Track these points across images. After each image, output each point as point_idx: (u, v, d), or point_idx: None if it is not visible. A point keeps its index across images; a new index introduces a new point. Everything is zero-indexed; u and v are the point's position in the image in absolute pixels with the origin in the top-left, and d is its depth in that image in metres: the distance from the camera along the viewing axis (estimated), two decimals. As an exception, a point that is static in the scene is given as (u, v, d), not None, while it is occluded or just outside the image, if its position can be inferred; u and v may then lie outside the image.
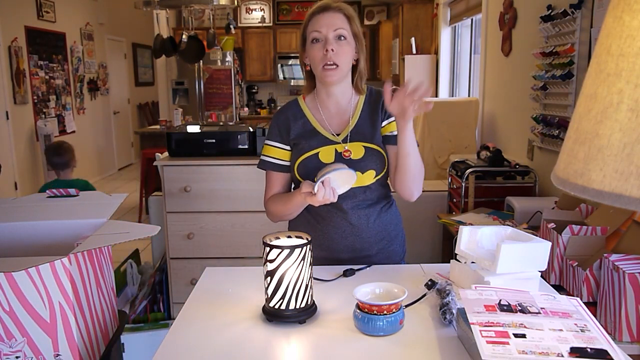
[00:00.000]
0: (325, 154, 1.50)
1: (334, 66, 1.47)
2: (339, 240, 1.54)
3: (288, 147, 1.58)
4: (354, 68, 1.55)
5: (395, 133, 1.53)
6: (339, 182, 1.39)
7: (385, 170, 1.54)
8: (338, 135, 1.54)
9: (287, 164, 1.58)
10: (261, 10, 8.10)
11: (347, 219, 1.53)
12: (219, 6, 4.39)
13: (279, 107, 8.38)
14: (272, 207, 1.59)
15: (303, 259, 1.14)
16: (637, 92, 0.53)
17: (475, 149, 3.63)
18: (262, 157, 1.62)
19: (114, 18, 8.35)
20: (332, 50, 1.45)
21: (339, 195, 1.48)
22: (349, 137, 1.53)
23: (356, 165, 1.47)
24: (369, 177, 1.51)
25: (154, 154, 3.30)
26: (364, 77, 1.58)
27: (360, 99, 1.59)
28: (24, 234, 1.24)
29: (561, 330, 0.94)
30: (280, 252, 1.12)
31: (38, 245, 1.24)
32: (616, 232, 1.82)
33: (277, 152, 1.58)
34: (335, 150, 1.51)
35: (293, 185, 1.63)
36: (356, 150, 1.51)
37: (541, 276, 1.30)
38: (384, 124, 1.56)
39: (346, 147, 1.51)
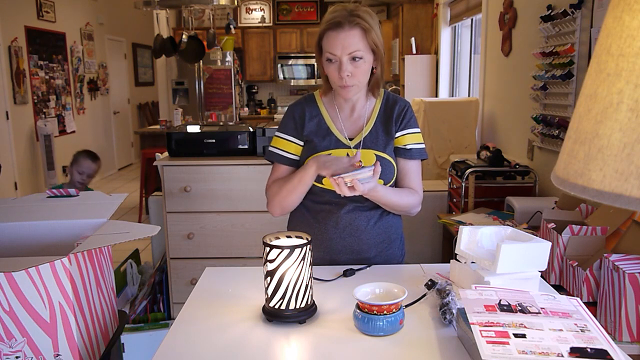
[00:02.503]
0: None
1: (350, 86, 1.45)
2: (337, 241, 1.53)
3: (301, 142, 1.55)
4: (371, 74, 1.52)
5: (408, 147, 1.54)
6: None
7: (393, 180, 1.53)
8: (351, 139, 1.53)
9: (298, 158, 1.56)
10: (261, 10, 8.10)
11: (346, 220, 1.52)
12: (219, 6, 4.40)
13: (279, 107, 8.36)
14: (274, 188, 1.53)
15: (303, 259, 1.14)
16: (637, 92, 0.53)
17: (475, 149, 3.63)
18: (272, 149, 1.58)
19: (114, 18, 8.35)
20: (348, 75, 1.43)
21: (341, 197, 1.48)
22: (361, 144, 1.52)
23: None
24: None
25: (154, 154, 3.30)
26: (380, 83, 1.55)
27: (377, 103, 1.57)
28: (24, 234, 1.24)
29: (561, 330, 0.94)
30: (280, 252, 1.12)
31: (38, 245, 1.24)
32: (616, 232, 1.82)
33: (290, 145, 1.56)
34: (347, 155, 1.49)
35: None
36: (368, 158, 1.49)
37: (541, 276, 1.30)
38: (397, 135, 1.54)
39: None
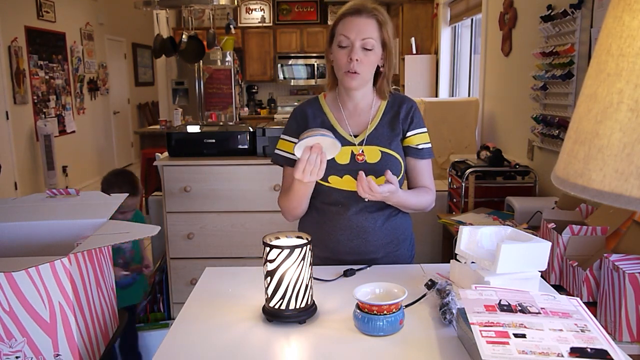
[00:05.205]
0: (340, 154, 1.48)
1: (356, 74, 1.46)
2: (344, 243, 1.52)
3: None
4: (378, 72, 1.53)
5: (419, 147, 1.55)
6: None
7: (400, 177, 1.53)
8: (356, 136, 1.53)
9: None
10: (261, 10, 8.10)
11: (353, 221, 1.51)
12: (219, 6, 4.40)
13: (279, 107, 8.38)
14: (281, 200, 1.58)
15: (303, 259, 1.14)
16: (637, 92, 0.53)
17: (475, 149, 3.62)
18: (276, 151, 1.60)
19: (114, 18, 8.35)
20: (357, 60, 1.44)
21: (347, 197, 1.47)
22: (365, 141, 1.52)
23: (370, 170, 1.46)
24: (382, 182, 1.48)
25: (154, 154, 3.30)
26: (388, 85, 1.55)
27: (382, 104, 1.57)
28: (24, 234, 1.24)
29: (561, 330, 0.94)
30: (280, 252, 1.12)
31: (38, 245, 1.24)
32: (616, 232, 1.82)
33: (291, 147, 1.55)
34: (352, 152, 1.50)
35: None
36: (372, 154, 1.49)
37: (541, 276, 1.30)
38: (408, 134, 1.55)
39: (361, 150, 1.50)
